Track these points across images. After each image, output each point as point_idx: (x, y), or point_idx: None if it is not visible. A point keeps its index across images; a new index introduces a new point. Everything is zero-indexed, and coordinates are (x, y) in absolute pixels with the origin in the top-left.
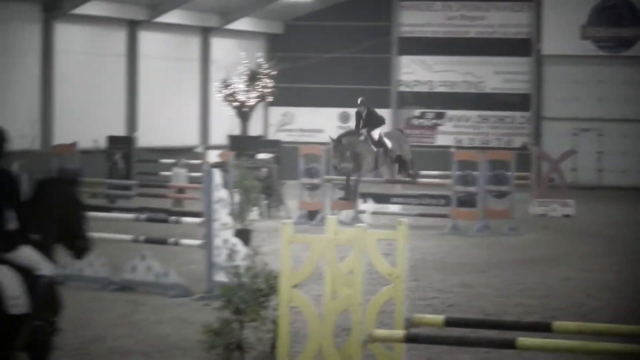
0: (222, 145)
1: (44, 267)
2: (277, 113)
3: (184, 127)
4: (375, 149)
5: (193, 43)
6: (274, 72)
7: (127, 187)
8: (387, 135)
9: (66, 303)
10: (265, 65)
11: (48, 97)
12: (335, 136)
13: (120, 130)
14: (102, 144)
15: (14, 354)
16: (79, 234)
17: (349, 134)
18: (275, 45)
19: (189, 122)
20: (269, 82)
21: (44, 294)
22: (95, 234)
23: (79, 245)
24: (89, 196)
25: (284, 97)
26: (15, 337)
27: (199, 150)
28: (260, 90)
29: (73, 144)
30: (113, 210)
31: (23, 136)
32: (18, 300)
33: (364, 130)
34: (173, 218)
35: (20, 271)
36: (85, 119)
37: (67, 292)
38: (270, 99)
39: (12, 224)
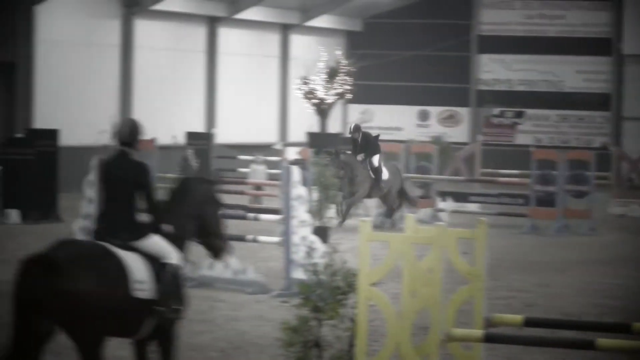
0: (301, 143)
1: (172, 257)
2: (356, 111)
3: (262, 124)
4: (372, 176)
5: (272, 40)
6: (353, 70)
7: None
8: (386, 167)
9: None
10: (345, 63)
11: (127, 93)
12: (334, 149)
13: (199, 127)
14: (181, 140)
15: (138, 338)
16: (216, 233)
17: (347, 154)
18: (354, 42)
19: (267, 119)
20: (348, 80)
21: (170, 282)
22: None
23: (216, 245)
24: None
25: (363, 94)
26: (140, 320)
27: (278, 147)
28: (339, 87)
29: (152, 140)
30: None
31: (102, 131)
32: (144, 284)
33: (361, 156)
34: (251, 215)
35: (148, 259)
36: (164, 115)
37: None
38: (349, 96)
39: (144, 214)
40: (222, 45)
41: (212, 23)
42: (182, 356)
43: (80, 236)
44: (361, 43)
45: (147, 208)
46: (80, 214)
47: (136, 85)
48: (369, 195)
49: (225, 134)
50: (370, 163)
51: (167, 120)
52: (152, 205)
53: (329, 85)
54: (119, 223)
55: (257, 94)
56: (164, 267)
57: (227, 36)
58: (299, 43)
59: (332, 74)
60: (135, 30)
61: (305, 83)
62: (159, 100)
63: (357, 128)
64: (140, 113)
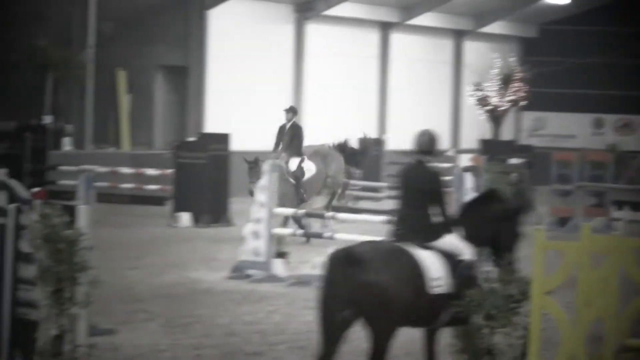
0: (474, 149)
1: (466, 253)
2: (529, 118)
3: (435, 130)
4: (293, 182)
5: (445, 46)
6: (528, 77)
7: (375, 189)
8: (313, 156)
9: (315, 303)
10: (519, 69)
11: (299, 98)
12: (252, 158)
13: (371, 132)
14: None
15: (436, 328)
16: (509, 248)
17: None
18: (529, 49)
19: (440, 125)
20: (522, 87)
21: (464, 277)
22: (342, 235)
23: (504, 261)
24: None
25: (537, 101)
26: (437, 313)
27: (450, 153)
28: (513, 94)
29: (322, 146)
30: (362, 212)
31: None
32: (440, 280)
33: (284, 155)
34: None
35: (444, 256)
36: (335, 121)
37: (315, 293)
38: (523, 103)
39: (437, 218)
40: (394, 51)
41: (385, 28)
42: None
43: (250, 240)
44: (535, 49)
45: (440, 213)
46: (250, 218)
47: (307, 91)
48: (298, 200)
49: (396, 140)
50: (287, 167)
51: (339, 126)
52: (444, 210)
53: (503, 92)
54: (416, 226)
55: (429, 100)
56: (459, 263)
57: (399, 42)
58: (473, 49)
59: (506, 80)
60: (307, 35)
61: (479, 89)
62: (330, 106)
63: (292, 109)
64: (311, 118)
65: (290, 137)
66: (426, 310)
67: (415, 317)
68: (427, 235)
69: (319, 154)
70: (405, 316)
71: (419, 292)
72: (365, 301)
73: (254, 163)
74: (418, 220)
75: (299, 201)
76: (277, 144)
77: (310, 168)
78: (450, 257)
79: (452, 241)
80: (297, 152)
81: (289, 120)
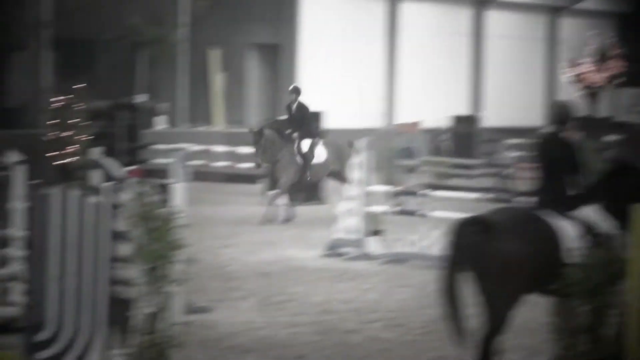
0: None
1: (603, 227)
2: (627, 95)
3: (529, 107)
4: (299, 162)
5: (540, 22)
6: (625, 53)
7: (468, 167)
8: (329, 146)
9: (411, 281)
10: (616, 46)
11: (392, 75)
12: (256, 129)
13: (465, 110)
14: (446, 123)
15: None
16: None
17: (272, 130)
18: (626, 24)
19: (534, 102)
20: (619, 63)
21: (601, 250)
22: (438, 213)
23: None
24: (432, 175)
25: (635, 78)
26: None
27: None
28: (609, 71)
29: (416, 123)
30: (457, 189)
31: (370, 113)
32: (577, 251)
33: (295, 135)
34: (519, 199)
35: (582, 227)
36: (429, 98)
37: (410, 270)
38: (620, 80)
39: (573, 189)
40: (489, 28)
41: (479, 5)
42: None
43: (344, 218)
44: (633, 25)
45: (577, 184)
46: (343, 196)
47: (400, 68)
48: (294, 184)
49: (491, 117)
50: (299, 147)
51: (432, 103)
52: (581, 181)
53: (599, 69)
54: (553, 196)
55: (523, 77)
56: (595, 236)
57: (493, 19)
58: (568, 26)
59: (602, 57)
60: (399, 12)
61: (575, 66)
62: (424, 83)
63: (295, 90)
64: (404, 96)
65: (300, 118)
66: (558, 279)
67: (550, 286)
68: (564, 205)
69: (338, 149)
70: (538, 284)
71: (553, 261)
72: (491, 269)
73: (258, 135)
74: (555, 190)
75: (303, 181)
76: (287, 123)
77: (320, 154)
78: (588, 229)
79: (590, 213)
80: (308, 133)
81: (293, 102)
